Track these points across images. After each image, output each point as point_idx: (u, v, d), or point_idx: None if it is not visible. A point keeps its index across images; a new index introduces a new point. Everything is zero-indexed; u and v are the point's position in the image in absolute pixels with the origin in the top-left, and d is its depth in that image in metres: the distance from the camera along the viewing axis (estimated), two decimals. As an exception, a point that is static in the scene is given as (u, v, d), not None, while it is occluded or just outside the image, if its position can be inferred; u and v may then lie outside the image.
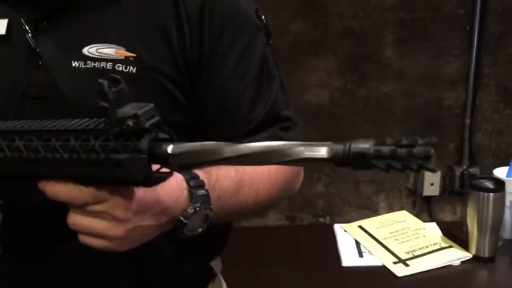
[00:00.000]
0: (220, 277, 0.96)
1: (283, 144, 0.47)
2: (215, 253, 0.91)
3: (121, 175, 0.51)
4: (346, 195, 2.23)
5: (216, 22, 0.71)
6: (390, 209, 2.25)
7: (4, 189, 0.67)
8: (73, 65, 0.70)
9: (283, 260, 1.39)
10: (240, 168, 0.70)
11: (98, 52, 0.70)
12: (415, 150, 0.41)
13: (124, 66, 0.69)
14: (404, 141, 0.42)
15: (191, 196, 0.62)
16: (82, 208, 0.56)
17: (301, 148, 0.45)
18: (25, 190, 0.60)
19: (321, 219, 2.27)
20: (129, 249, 0.65)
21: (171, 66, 0.71)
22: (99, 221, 0.56)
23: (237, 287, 1.07)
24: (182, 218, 0.61)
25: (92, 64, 0.69)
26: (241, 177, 0.70)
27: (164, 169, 0.53)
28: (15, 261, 0.80)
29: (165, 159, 0.50)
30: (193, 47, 0.71)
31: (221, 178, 0.68)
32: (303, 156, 0.45)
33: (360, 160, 0.43)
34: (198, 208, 0.62)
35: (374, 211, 2.26)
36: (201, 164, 0.51)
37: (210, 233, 0.83)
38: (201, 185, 0.63)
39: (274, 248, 1.46)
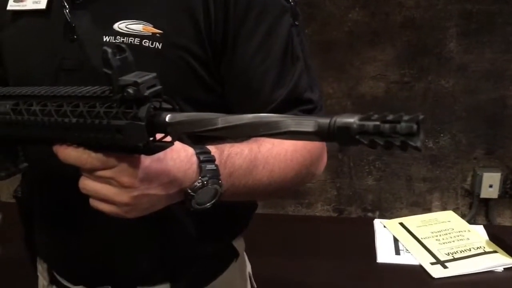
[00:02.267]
0: (245, 257, 0.96)
1: (272, 116, 0.46)
2: (237, 233, 0.92)
3: (121, 140, 0.52)
4: (398, 191, 2.16)
5: (242, 1, 0.72)
6: (444, 209, 2.16)
7: (32, 154, 0.70)
8: (104, 39, 0.72)
9: (319, 251, 1.37)
10: (254, 147, 0.70)
11: (127, 28, 0.72)
12: (398, 126, 0.39)
13: (150, 42, 0.71)
14: (390, 117, 0.40)
15: (200, 169, 0.62)
16: (91, 172, 0.58)
17: (289, 121, 0.44)
18: (50, 157, 0.62)
19: (369, 214, 2.21)
20: (154, 223, 0.67)
21: (196, 44, 0.72)
22: (107, 187, 0.58)
23: (269, 273, 1.07)
24: (189, 191, 0.62)
25: (121, 39, 0.72)
26: (255, 156, 0.70)
27: (168, 139, 0.54)
28: (48, 228, 0.85)
29: (163, 128, 0.51)
30: (219, 26, 0.72)
31: (234, 155, 0.68)
32: (290, 129, 0.44)
33: (345, 135, 0.41)
34: (206, 182, 0.62)
35: (426, 210, 2.18)
36: (196, 133, 0.51)
37: (231, 213, 0.85)
38: (211, 159, 0.64)
39: (313, 238, 1.44)
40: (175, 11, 0.72)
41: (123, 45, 0.52)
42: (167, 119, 0.50)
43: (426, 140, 2.06)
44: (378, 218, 2.20)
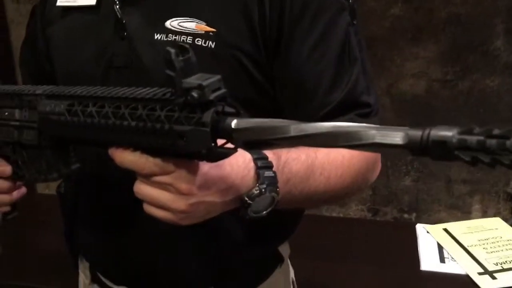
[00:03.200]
0: (288, 262, 0.94)
1: (353, 126, 0.42)
2: (284, 238, 0.89)
3: (183, 147, 0.49)
4: (436, 193, 2.09)
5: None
6: (484, 213, 2.09)
7: (84, 154, 0.69)
8: (156, 37, 0.70)
9: (358, 255, 1.33)
10: (311, 152, 0.67)
11: (180, 26, 0.70)
12: (508, 143, 0.35)
13: (203, 40, 0.69)
14: (496, 131, 0.35)
15: (258, 176, 0.60)
16: (148, 177, 0.55)
17: (373, 132, 0.41)
18: (103, 158, 0.60)
19: (406, 215, 2.15)
20: (200, 227, 0.64)
21: (250, 44, 0.70)
22: (163, 193, 0.55)
23: (306, 277, 1.03)
24: (247, 199, 0.59)
25: (173, 37, 0.70)
26: (312, 162, 0.66)
27: (229, 145, 0.51)
28: (93, 228, 0.83)
29: (228, 134, 0.48)
30: (273, 25, 0.69)
31: (291, 161, 0.65)
32: (375, 140, 0.40)
33: (441, 150, 0.37)
34: (263, 190, 0.59)
35: (465, 213, 2.11)
36: (265, 142, 0.48)
37: (280, 218, 0.82)
38: (269, 166, 0.61)
39: (350, 241, 1.40)
40: (229, 9, 0.69)
41: (187, 45, 0.49)
42: (233, 125, 0.47)
43: (468, 141, 1.98)
44: (415, 220, 2.16)
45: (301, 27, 0.70)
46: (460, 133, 0.37)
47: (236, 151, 0.52)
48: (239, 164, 0.58)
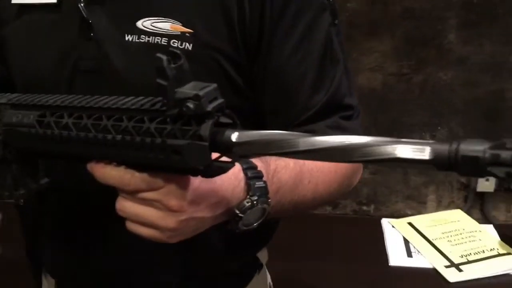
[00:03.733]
0: (265, 268, 0.91)
1: (369, 140, 0.39)
2: (263, 245, 0.86)
3: (178, 163, 0.45)
4: (393, 185, 2.13)
5: None
6: (439, 203, 2.15)
7: (53, 167, 0.63)
8: (126, 38, 0.65)
9: (326, 253, 1.32)
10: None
11: (153, 26, 0.65)
12: None
13: (179, 42, 0.64)
14: None
15: (249, 187, 0.56)
16: (133, 194, 0.51)
17: (393, 146, 0.38)
18: (74, 171, 0.55)
19: (364, 207, 2.18)
20: (179, 244, 0.60)
21: (229, 44, 0.66)
22: (150, 210, 0.51)
23: (277, 279, 1.01)
24: (237, 211, 0.56)
25: (146, 38, 0.64)
26: (300, 169, 0.64)
27: (225, 158, 0.47)
28: (61, 243, 0.77)
29: (228, 148, 0.44)
30: (253, 25, 0.65)
31: (280, 169, 0.62)
32: (396, 155, 0.38)
33: (471, 166, 0.35)
34: (255, 202, 0.56)
35: (421, 203, 2.16)
36: (266, 155, 0.45)
37: (261, 226, 0.79)
38: (259, 176, 0.57)
39: (316, 239, 1.39)
40: (207, 8, 0.65)
41: (178, 52, 0.44)
42: (233, 138, 0.43)
43: (423, 133, 2.03)
44: (374, 211, 2.18)
45: (282, 27, 0.66)
46: (492, 147, 0.35)
47: (234, 165, 0.49)
48: (229, 175, 0.54)
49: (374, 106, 2.01)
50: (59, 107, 0.50)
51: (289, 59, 0.67)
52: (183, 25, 0.64)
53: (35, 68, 0.70)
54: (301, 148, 0.41)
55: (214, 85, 0.45)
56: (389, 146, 0.38)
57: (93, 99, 0.49)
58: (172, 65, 0.43)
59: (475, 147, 0.35)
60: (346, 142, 0.39)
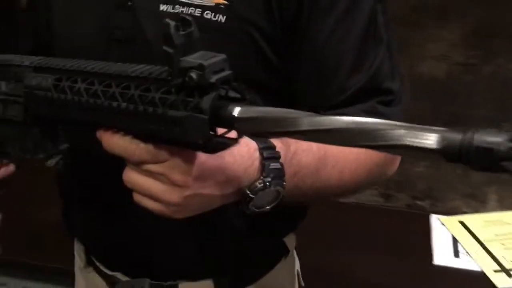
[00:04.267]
0: (294, 254, 0.89)
1: (378, 123, 0.36)
2: (291, 230, 0.84)
3: (178, 135, 0.44)
4: (451, 181, 2.02)
5: None
6: (501, 203, 2.02)
7: (71, 133, 0.64)
8: (161, 8, 0.65)
9: (368, 244, 1.28)
10: None
11: None
12: None
13: (213, 14, 0.63)
14: None
15: (263, 168, 0.54)
16: (138, 165, 0.50)
17: (402, 131, 0.34)
18: (91, 138, 0.55)
19: (419, 202, 2.09)
20: (199, 216, 0.59)
21: (265, 18, 0.64)
22: (155, 183, 0.50)
23: (312, 268, 0.98)
24: (248, 192, 0.54)
25: (180, 9, 0.64)
26: (324, 154, 0.61)
27: (233, 134, 0.45)
28: (89, 211, 0.80)
29: (230, 123, 0.42)
30: None
31: (300, 152, 0.59)
32: (403, 142, 0.34)
33: (485, 159, 0.31)
34: (268, 183, 0.54)
35: (481, 202, 2.04)
36: (271, 134, 0.44)
37: (288, 209, 0.76)
38: (276, 157, 0.55)
39: (361, 230, 1.35)
40: None
41: (189, 18, 0.42)
42: (236, 113, 0.41)
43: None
44: (429, 208, 2.09)
45: (322, 4, 0.63)
46: (510, 140, 0.30)
47: (238, 142, 0.46)
48: (243, 153, 0.53)
49: (436, 96, 1.91)
50: (75, 71, 0.50)
51: (328, 37, 0.64)
52: None
53: (74, 36, 0.72)
54: (305, 127, 0.38)
55: (223, 56, 0.43)
56: (396, 132, 0.34)
57: (107, 65, 0.49)
58: (181, 32, 0.41)
59: (492, 139, 0.30)
60: (353, 125, 0.36)
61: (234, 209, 0.71)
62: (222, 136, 0.44)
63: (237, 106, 0.41)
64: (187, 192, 0.50)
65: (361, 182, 0.67)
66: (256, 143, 0.55)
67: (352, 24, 0.65)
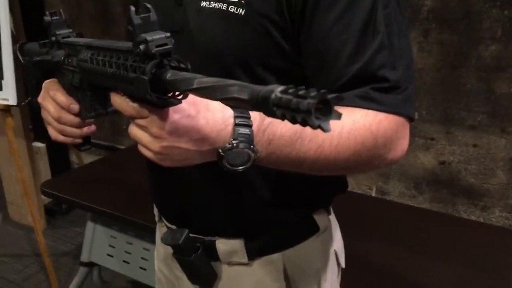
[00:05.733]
0: (332, 234, 0.95)
1: (226, 83, 0.47)
2: (314, 206, 0.91)
3: (134, 92, 0.58)
4: None
5: None
6: None
7: None
8: (202, 4, 0.78)
9: (441, 252, 1.26)
10: None
11: None
12: (304, 102, 0.37)
13: (235, 8, 0.75)
14: (301, 92, 0.38)
15: (233, 132, 0.65)
16: (132, 120, 0.65)
17: (235, 88, 0.45)
18: None
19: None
20: (227, 180, 0.72)
21: (276, 12, 0.74)
22: (144, 134, 0.64)
23: (377, 269, 1.02)
24: (220, 151, 0.65)
25: (214, 4, 0.77)
26: (302, 128, 0.68)
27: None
28: (149, 170, 0.97)
29: (163, 85, 0.55)
30: None
31: (276, 124, 0.68)
32: (233, 95, 0.45)
33: (265, 105, 0.41)
34: (235, 145, 0.64)
35: None
36: (184, 91, 0.55)
37: (308, 184, 0.85)
38: (247, 124, 0.66)
39: (439, 237, 1.32)
40: None
41: (149, 5, 0.57)
42: (167, 77, 0.54)
43: None
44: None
45: (325, 0, 0.71)
46: (282, 91, 0.39)
47: (180, 102, 0.59)
48: (216, 118, 0.64)
49: None
50: (96, 47, 0.67)
51: (331, 28, 0.72)
52: None
53: None
54: (195, 86, 0.50)
55: (167, 34, 0.56)
56: (232, 88, 0.45)
57: (109, 42, 0.65)
58: (139, 16, 0.56)
59: (269, 89, 0.40)
60: (214, 83, 0.48)
61: (258, 177, 0.83)
62: (167, 96, 0.57)
63: (171, 71, 0.54)
64: (164, 143, 0.63)
65: (346, 159, 0.71)
66: (233, 111, 0.66)
67: (353, 18, 0.71)
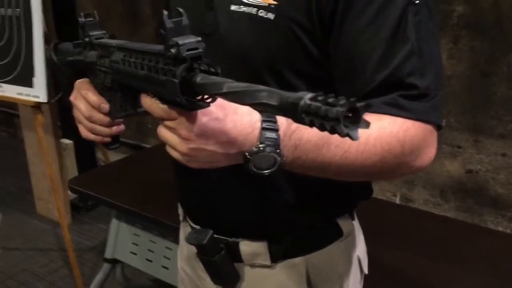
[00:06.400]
0: (355, 239, 0.95)
1: (256, 88, 0.48)
2: (341, 212, 0.91)
3: (165, 95, 0.59)
4: None
5: None
6: None
7: None
8: (231, 8, 0.79)
9: (466, 260, 1.24)
10: None
11: None
12: (333, 110, 0.37)
13: (265, 12, 0.76)
14: (330, 99, 0.38)
15: (260, 136, 0.65)
16: (162, 121, 0.66)
17: (264, 94, 0.46)
18: None
19: None
20: (252, 182, 0.72)
21: (306, 17, 0.74)
22: (172, 136, 0.65)
23: (400, 277, 1.02)
24: (247, 154, 0.66)
25: (244, 8, 0.78)
26: (328, 134, 0.69)
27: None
28: (175, 171, 0.99)
29: (193, 88, 0.56)
30: (329, 1, 0.73)
31: (303, 129, 0.68)
32: (262, 100, 0.46)
33: (294, 112, 0.41)
34: (262, 148, 0.65)
35: None
36: (213, 96, 0.56)
37: (332, 189, 0.85)
38: (274, 128, 0.66)
39: (465, 246, 1.30)
40: None
41: (181, 10, 0.58)
42: (197, 80, 0.55)
43: None
44: None
45: (356, 5, 0.71)
46: (311, 98, 0.39)
47: (208, 105, 0.59)
48: (244, 122, 0.65)
49: None
50: (128, 49, 0.68)
51: (360, 33, 0.73)
52: None
53: None
54: (224, 90, 0.51)
55: (198, 38, 0.57)
56: (261, 94, 0.45)
57: (136, 44, 0.66)
58: (171, 20, 0.57)
59: (299, 96, 0.40)
60: (245, 88, 0.49)
61: (283, 180, 0.84)
62: (199, 99, 0.58)
63: (201, 75, 0.55)
64: (192, 145, 0.64)
65: (374, 166, 0.71)
66: (260, 115, 0.66)
67: (383, 23, 0.71)
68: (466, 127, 2.08)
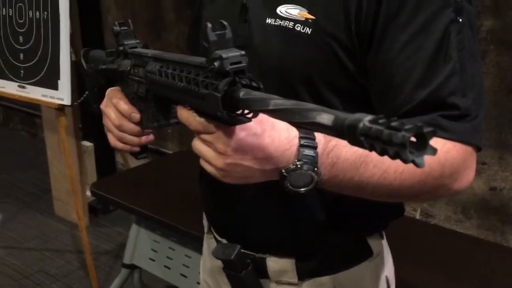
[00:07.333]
0: (383, 259, 0.93)
1: (306, 107, 0.47)
2: (371, 231, 0.90)
3: (205, 108, 0.58)
4: None
5: None
6: None
7: None
8: (267, 21, 0.78)
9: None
10: None
11: (286, 12, 0.77)
12: (398, 135, 0.36)
13: (302, 26, 0.75)
14: (394, 123, 0.36)
15: (298, 153, 0.64)
16: (198, 134, 0.65)
17: (314, 113, 0.44)
18: None
19: None
20: (283, 199, 0.71)
21: (344, 33, 0.73)
22: (208, 150, 0.64)
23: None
24: (283, 171, 0.64)
25: (279, 22, 0.77)
26: (366, 153, 0.67)
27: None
28: (203, 183, 0.98)
29: (236, 103, 0.55)
30: (369, 18, 0.72)
31: (341, 147, 0.67)
32: (314, 120, 0.44)
33: (351, 134, 0.39)
34: (299, 166, 0.63)
35: None
36: (257, 111, 0.54)
37: (364, 208, 0.83)
38: (312, 146, 0.65)
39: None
40: None
41: (225, 23, 0.57)
42: (240, 95, 0.54)
43: None
44: None
45: (396, 23, 0.70)
46: (370, 121, 0.38)
47: (250, 120, 0.58)
48: (282, 138, 0.64)
49: None
50: (165, 60, 0.67)
51: (401, 50, 0.71)
52: (308, 12, 0.74)
53: None
54: (271, 107, 0.50)
55: (242, 52, 0.56)
56: (311, 113, 0.44)
57: (182, 56, 0.65)
58: (216, 33, 0.56)
59: (357, 118, 0.39)
60: (292, 106, 0.48)
61: (315, 198, 0.82)
62: (237, 113, 0.57)
63: (244, 90, 0.54)
64: (228, 160, 0.63)
65: (412, 188, 0.69)
66: (298, 132, 0.65)
67: (425, 41, 0.69)
68: (492, 144, 2.04)
